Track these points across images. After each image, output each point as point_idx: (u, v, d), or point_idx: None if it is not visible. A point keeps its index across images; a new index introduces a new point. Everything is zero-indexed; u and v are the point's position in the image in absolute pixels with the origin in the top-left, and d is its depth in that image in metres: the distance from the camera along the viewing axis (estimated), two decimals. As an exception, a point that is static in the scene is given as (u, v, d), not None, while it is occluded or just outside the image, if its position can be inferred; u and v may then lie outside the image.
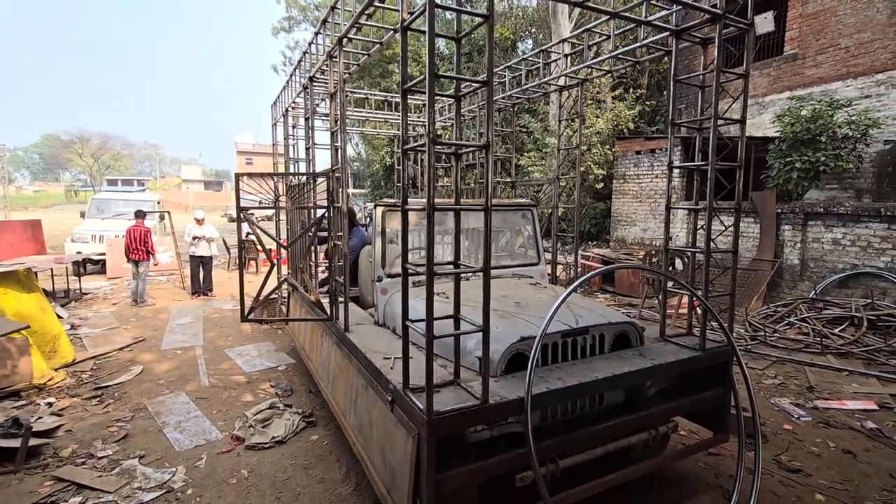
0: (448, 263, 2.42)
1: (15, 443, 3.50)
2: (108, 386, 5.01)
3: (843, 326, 6.43)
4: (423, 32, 2.10)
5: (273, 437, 3.89)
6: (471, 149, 2.31)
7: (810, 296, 7.58)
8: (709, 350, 3.07)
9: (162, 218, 13.70)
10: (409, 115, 7.68)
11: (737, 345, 3.14)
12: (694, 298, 3.30)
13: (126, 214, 12.48)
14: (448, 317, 2.42)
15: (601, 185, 12.29)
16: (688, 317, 3.52)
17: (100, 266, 11.99)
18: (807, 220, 7.97)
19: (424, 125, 7.38)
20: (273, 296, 6.97)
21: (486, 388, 2.27)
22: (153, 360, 5.84)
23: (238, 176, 3.80)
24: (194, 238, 9.49)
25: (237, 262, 13.79)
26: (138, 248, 8.64)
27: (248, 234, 12.93)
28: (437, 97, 2.42)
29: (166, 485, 3.32)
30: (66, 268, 9.70)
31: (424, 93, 2.00)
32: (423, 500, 2.21)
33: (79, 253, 11.07)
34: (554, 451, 2.56)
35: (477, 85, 2.24)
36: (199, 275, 9.61)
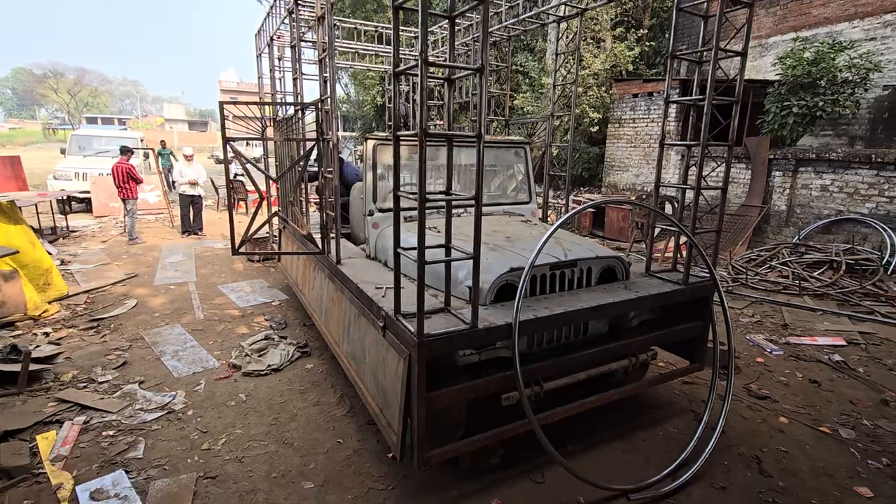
0: (439, 193, 2.42)
1: (15, 367, 3.60)
2: (103, 318, 5.08)
3: (821, 270, 6.63)
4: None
5: (269, 365, 4.03)
6: (465, 73, 2.24)
7: (793, 241, 7.75)
8: (692, 284, 3.18)
9: (146, 156, 13.33)
10: (400, 49, 7.31)
11: (719, 285, 3.24)
12: (680, 235, 3.37)
13: (110, 152, 12.11)
14: (439, 246, 2.46)
15: (596, 128, 12.08)
16: (673, 253, 3.61)
17: (85, 204, 11.77)
18: (798, 166, 7.98)
19: (416, 57, 7.02)
20: (264, 234, 6.98)
21: (476, 312, 2.35)
22: (147, 295, 5.90)
23: (222, 104, 3.68)
24: (181, 184, 9.30)
25: (226, 201, 13.53)
26: (123, 185, 8.47)
27: (236, 174, 12.71)
28: (430, 24, 2.31)
29: (167, 406, 3.47)
30: (52, 205, 9.53)
31: (416, 10, 1.91)
32: (413, 416, 2.34)
33: (62, 190, 10.83)
34: (538, 374, 2.70)
35: (474, 3, 2.14)
36: (189, 214, 9.51)
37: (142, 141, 13.71)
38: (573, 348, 2.94)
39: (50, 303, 5.28)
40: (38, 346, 4.24)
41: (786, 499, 2.64)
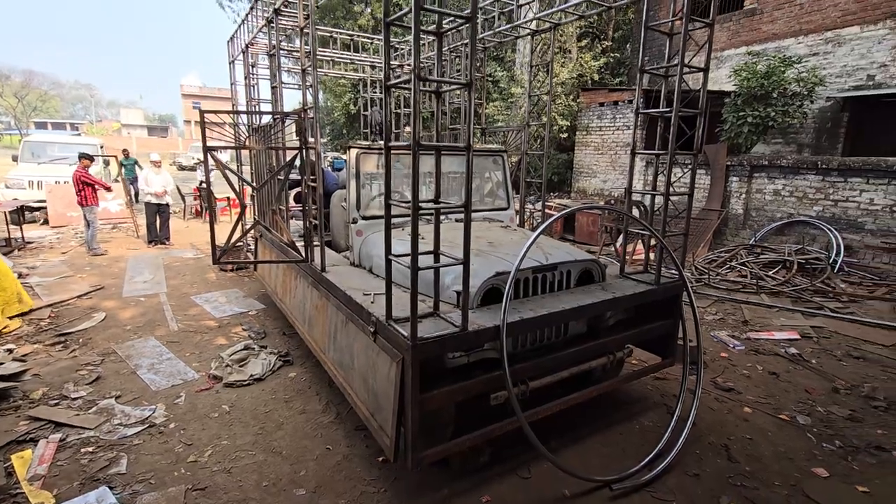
0: (429, 202, 2.51)
1: (-18, 386, 3.45)
2: (71, 332, 4.90)
3: (776, 269, 7.08)
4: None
5: (251, 375, 4.00)
6: (454, 87, 2.34)
7: (750, 242, 8.22)
8: (663, 284, 3.37)
9: (107, 164, 12.83)
10: (372, 56, 7.34)
11: (688, 285, 3.45)
12: (651, 238, 3.58)
13: (67, 159, 11.62)
14: (428, 252, 2.54)
15: (565, 135, 12.46)
16: (644, 256, 3.81)
17: (41, 214, 11.22)
18: (752, 172, 8.49)
19: (384, 67, 7.15)
20: (239, 243, 6.87)
21: (466, 316, 2.44)
22: (116, 307, 5.71)
23: (203, 113, 3.65)
24: (147, 193, 9.01)
25: (202, 209, 13.11)
26: (78, 192, 8.14)
27: (201, 182, 12.41)
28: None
29: (147, 420, 3.39)
30: (5, 216, 9.05)
31: (402, 27, 2.00)
32: (407, 418, 2.41)
33: (15, 199, 10.30)
34: (524, 373, 2.81)
35: (460, 21, 2.25)
36: (156, 223, 9.22)
37: (102, 147, 13.20)
38: (555, 348, 3.07)
39: (11, 318, 5.05)
40: (1, 364, 4.06)
41: (752, 482, 2.84)
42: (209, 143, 3.54)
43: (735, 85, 8.78)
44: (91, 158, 8.52)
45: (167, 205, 9.32)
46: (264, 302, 5.96)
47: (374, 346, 2.69)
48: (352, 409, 3.42)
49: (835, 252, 7.20)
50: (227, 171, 3.76)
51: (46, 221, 10.90)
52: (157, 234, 9.27)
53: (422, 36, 6.49)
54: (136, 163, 13.90)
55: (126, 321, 5.31)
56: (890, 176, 6.89)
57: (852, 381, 4.10)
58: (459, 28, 4.53)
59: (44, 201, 10.91)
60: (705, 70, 3.26)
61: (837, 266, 7.04)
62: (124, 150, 13.85)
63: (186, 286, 6.68)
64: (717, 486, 2.81)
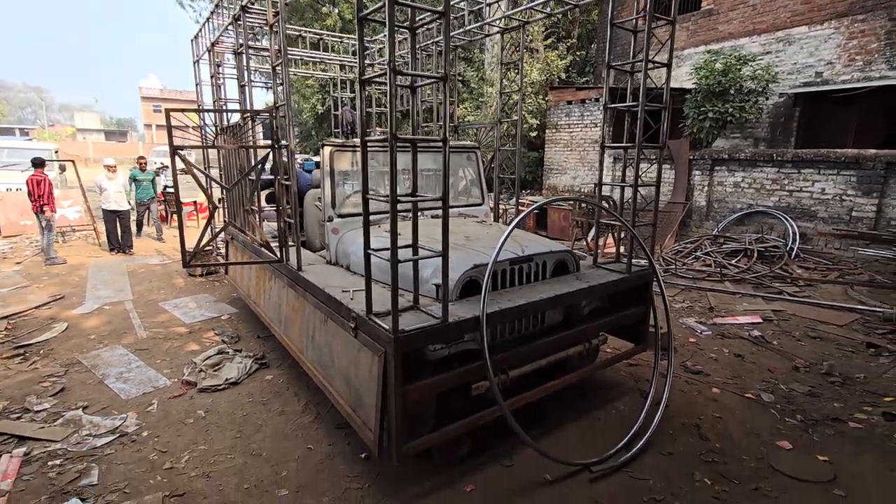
0: (406, 195, 2.52)
1: (-64, 402, 3.26)
2: (30, 344, 4.68)
3: (738, 257, 7.40)
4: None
5: (227, 379, 3.91)
6: (428, 81, 2.37)
7: (713, 233, 8.56)
8: (634, 273, 3.49)
9: (63, 169, 12.27)
10: (345, 57, 7.28)
11: (658, 272, 3.58)
12: (621, 230, 3.70)
13: (18, 165, 11.06)
14: (407, 246, 2.55)
15: (535, 133, 12.65)
16: (616, 246, 3.93)
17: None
18: (714, 165, 8.84)
19: (357, 66, 7.08)
20: (209, 246, 6.69)
21: (446, 308, 2.47)
22: (78, 317, 5.48)
23: (168, 112, 3.55)
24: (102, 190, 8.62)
25: (160, 215, 12.60)
26: (38, 198, 7.74)
27: (165, 187, 11.97)
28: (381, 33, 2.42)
29: (118, 429, 3.28)
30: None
31: (375, 22, 2.01)
32: (390, 411, 2.41)
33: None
34: (505, 363, 2.86)
35: (433, 17, 2.27)
36: (116, 231, 8.85)
37: (56, 153, 12.61)
38: (533, 337, 3.14)
39: (-37, 331, 4.78)
40: (-44, 379, 3.85)
41: (723, 458, 2.97)
42: (176, 143, 3.45)
43: (695, 82, 9.12)
44: (43, 163, 8.10)
45: (127, 211, 8.95)
46: (236, 305, 5.83)
47: (354, 342, 2.68)
48: (332, 408, 3.40)
49: (791, 240, 7.58)
50: (196, 171, 3.67)
51: None
52: (119, 243, 8.90)
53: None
54: (154, 178, 9.99)
55: (90, 330, 5.10)
56: (839, 166, 7.30)
57: (811, 359, 4.33)
58: (432, 24, 4.56)
59: (-6, 209, 10.34)
60: (668, 65, 3.39)
61: (794, 253, 7.41)
62: (140, 159, 9.95)
63: (153, 293, 6.46)
64: (690, 463, 2.93)
